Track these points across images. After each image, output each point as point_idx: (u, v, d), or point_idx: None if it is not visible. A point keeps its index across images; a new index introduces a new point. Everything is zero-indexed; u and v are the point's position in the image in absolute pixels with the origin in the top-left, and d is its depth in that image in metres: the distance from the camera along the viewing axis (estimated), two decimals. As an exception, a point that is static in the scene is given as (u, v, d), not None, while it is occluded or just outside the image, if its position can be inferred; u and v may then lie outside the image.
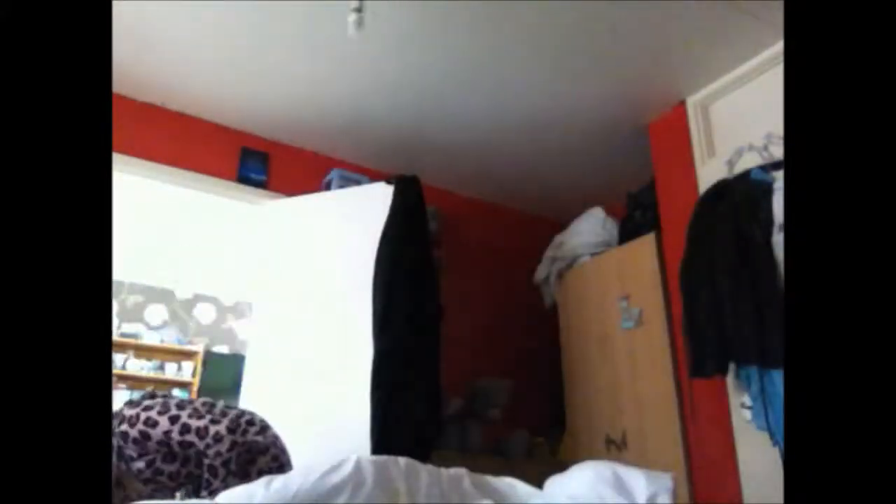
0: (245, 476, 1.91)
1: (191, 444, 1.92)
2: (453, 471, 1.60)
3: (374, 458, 1.48)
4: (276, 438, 2.05)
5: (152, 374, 6.15)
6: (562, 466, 1.73)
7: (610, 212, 3.61)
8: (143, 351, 6.28)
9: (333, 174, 3.49)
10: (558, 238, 3.75)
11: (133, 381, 6.02)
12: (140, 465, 1.94)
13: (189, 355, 6.45)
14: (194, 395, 6.45)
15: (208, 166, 3.36)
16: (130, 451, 1.94)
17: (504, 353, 3.82)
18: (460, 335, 3.50)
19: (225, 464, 1.90)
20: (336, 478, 1.39)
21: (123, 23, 2.67)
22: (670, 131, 3.28)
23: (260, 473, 1.90)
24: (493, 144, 3.61)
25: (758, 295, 2.28)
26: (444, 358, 2.90)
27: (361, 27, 2.09)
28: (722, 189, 2.62)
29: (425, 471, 1.54)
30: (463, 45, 2.85)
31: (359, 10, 2.09)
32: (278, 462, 2.01)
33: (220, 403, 2.07)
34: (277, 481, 1.38)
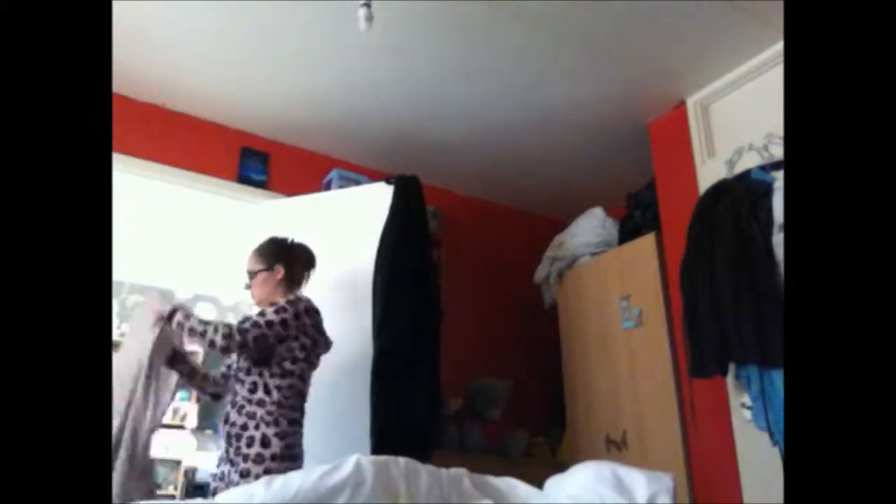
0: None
1: None
2: (453, 471, 1.60)
3: (374, 458, 1.48)
4: None
5: (152, 374, 6.14)
6: (562, 466, 1.73)
7: (610, 212, 3.60)
8: (143, 351, 6.27)
9: (333, 174, 3.49)
10: (558, 238, 3.74)
11: (133, 381, 6.01)
12: None
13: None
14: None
15: (208, 166, 3.36)
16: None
17: (504, 353, 3.82)
18: (460, 335, 3.49)
19: None
20: (336, 478, 1.39)
21: (124, 23, 2.67)
22: (670, 131, 3.28)
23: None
24: (493, 144, 3.61)
25: (758, 295, 2.27)
26: (444, 358, 2.90)
27: (371, 22, 2.09)
28: (722, 189, 2.62)
29: (425, 471, 1.54)
30: (462, 44, 2.85)
31: (367, 5, 2.09)
32: None
33: None
34: (277, 481, 1.38)
